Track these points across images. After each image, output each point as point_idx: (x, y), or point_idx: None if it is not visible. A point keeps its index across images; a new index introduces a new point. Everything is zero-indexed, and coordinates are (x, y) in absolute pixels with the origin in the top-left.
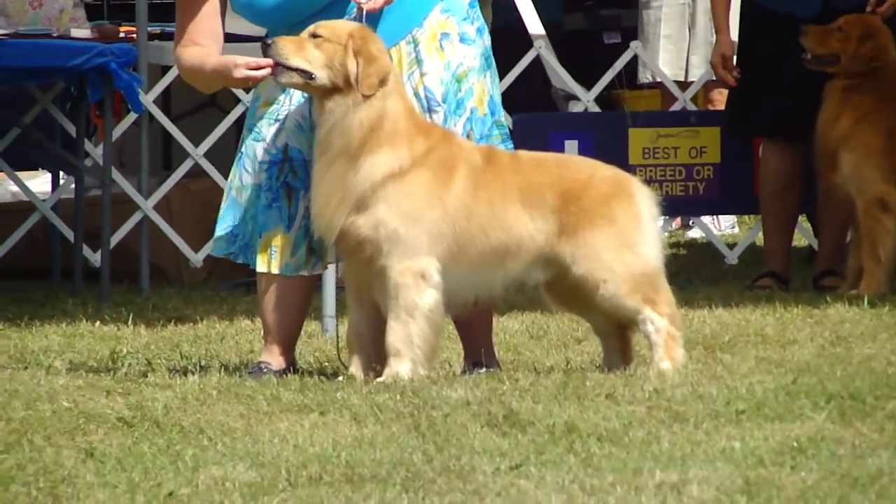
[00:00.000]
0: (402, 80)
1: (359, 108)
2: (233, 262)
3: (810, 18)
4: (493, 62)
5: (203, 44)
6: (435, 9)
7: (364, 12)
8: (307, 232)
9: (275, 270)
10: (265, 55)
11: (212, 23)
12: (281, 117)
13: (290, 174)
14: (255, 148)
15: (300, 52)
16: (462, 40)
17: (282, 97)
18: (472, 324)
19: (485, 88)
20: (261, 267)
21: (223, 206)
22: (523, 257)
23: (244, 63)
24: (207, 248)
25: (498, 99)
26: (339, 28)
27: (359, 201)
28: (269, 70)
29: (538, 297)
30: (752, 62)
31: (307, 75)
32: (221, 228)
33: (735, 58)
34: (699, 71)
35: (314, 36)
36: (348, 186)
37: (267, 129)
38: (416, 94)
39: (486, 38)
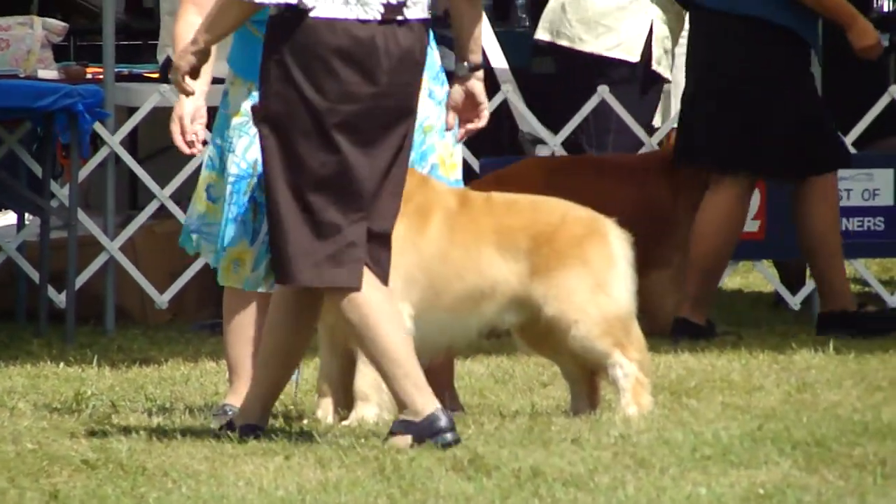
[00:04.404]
0: None
1: None
2: (198, 303)
3: None
4: None
5: (200, 2)
6: None
7: None
8: (269, 248)
9: (237, 284)
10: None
11: None
12: (251, 131)
13: (257, 189)
14: (224, 158)
15: None
16: (430, 97)
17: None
18: (433, 367)
19: (450, 152)
20: (225, 280)
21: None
22: (498, 300)
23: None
24: (172, 290)
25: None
26: None
27: None
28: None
29: (504, 341)
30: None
31: None
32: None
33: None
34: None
35: None
36: None
37: (237, 141)
38: None
39: None
